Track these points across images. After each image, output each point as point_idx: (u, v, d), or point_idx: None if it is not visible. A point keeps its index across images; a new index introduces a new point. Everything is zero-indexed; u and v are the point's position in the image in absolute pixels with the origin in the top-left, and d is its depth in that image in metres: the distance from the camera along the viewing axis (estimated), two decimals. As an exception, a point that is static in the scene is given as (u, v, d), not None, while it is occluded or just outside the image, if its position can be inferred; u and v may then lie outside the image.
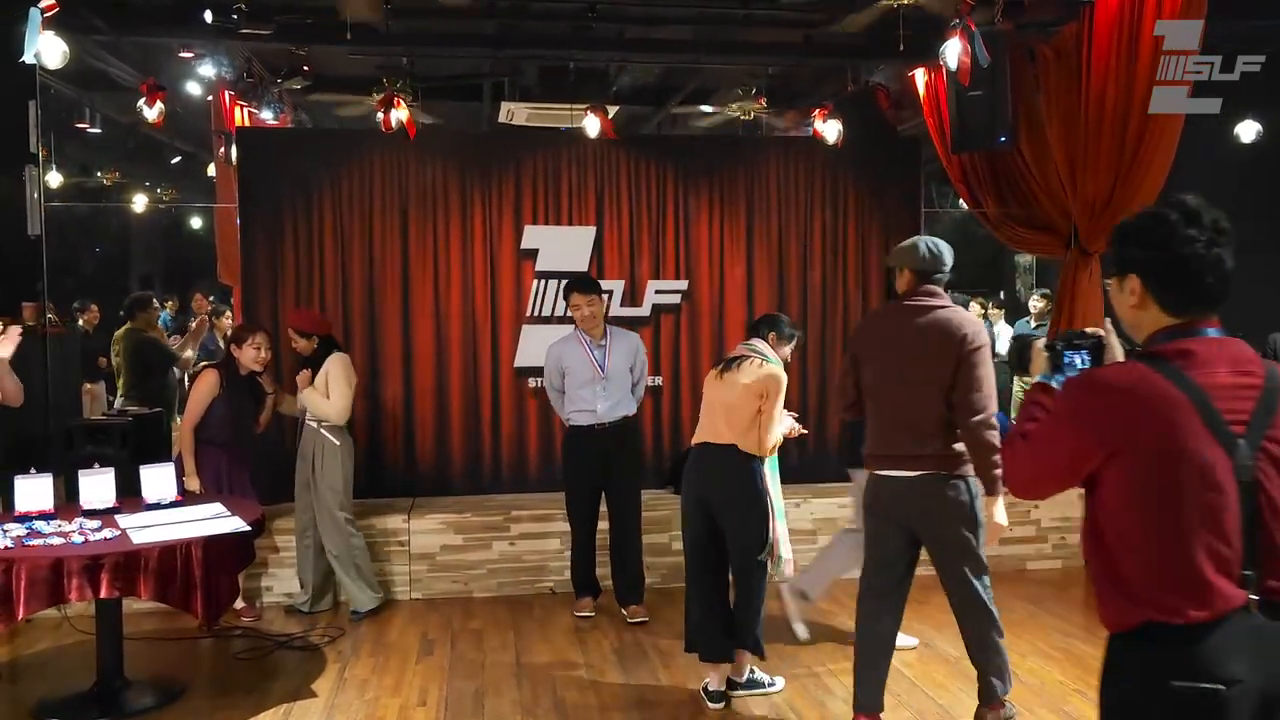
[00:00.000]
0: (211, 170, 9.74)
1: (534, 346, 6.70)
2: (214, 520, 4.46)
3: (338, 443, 5.54)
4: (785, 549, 4.35)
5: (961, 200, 7.94)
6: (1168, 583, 1.93)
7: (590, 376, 5.43)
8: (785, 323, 4.59)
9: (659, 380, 6.86)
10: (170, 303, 12.33)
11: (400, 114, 6.35)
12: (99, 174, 12.18)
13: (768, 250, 6.98)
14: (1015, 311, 11.33)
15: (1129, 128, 6.31)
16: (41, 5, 4.64)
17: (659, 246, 6.88)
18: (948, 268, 3.88)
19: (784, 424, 4.44)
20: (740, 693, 4.46)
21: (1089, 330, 2.28)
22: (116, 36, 6.38)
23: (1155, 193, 6.47)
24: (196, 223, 13.94)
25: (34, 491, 4.56)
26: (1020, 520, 6.46)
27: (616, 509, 5.56)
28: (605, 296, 5.57)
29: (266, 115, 7.69)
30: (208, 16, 5.82)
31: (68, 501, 4.92)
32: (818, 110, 7.10)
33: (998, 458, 3.59)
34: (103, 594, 3.99)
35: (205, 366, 5.72)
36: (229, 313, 9.51)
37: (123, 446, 5.81)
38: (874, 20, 6.50)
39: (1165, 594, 1.93)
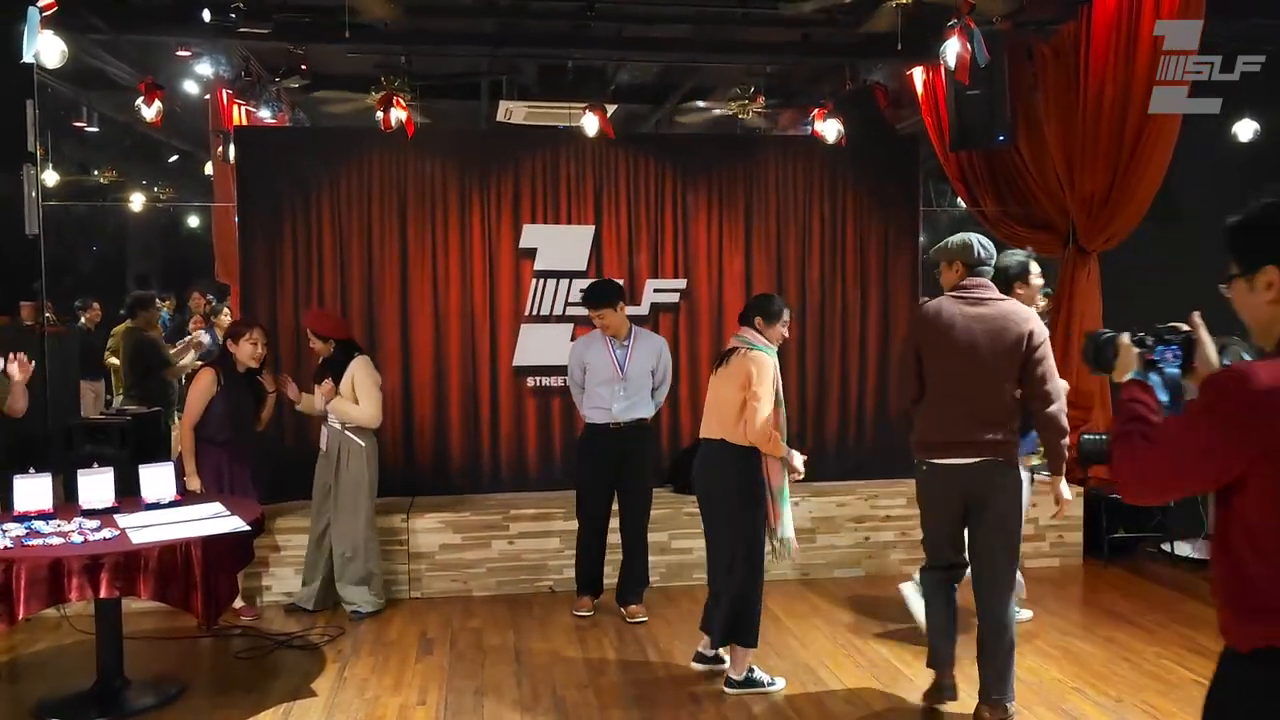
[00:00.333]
0: (209, 169, 9.73)
1: (533, 345, 6.71)
2: (213, 520, 4.46)
3: (363, 444, 5.55)
4: (787, 529, 4.45)
5: (959, 199, 7.95)
6: None
7: (609, 376, 5.43)
8: (771, 302, 4.60)
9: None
10: (168, 301, 12.31)
11: (399, 113, 6.34)
12: (96, 173, 12.17)
13: (766, 249, 6.98)
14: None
15: (1127, 126, 6.32)
16: (40, 4, 4.63)
17: (658, 245, 6.88)
18: (993, 262, 4.17)
19: (794, 458, 4.46)
20: (738, 691, 4.47)
21: (1177, 325, 2.18)
22: (115, 35, 6.37)
23: (1153, 191, 6.50)
24: (194, 221, 13.92)
25: (33, 491, 4.55)
26: (1019, 518, 6.47)
27: (626, 509, 5.56)
28: (621, 304, 5.44)
29: (264, 114, 7.69)
30: (206, 15, 5.81)
31: (67, 501, 4.93)
32: (816, 109, 7.10)
33: (1066, 440, 4.04)
34: (102, 594, 3.99)
35: (202, 365, 5.71)
36: (226, 311, 9.50)
37: (122, 446, 5.82)
38: (892, 23, 6.48)
39: None
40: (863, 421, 7.10)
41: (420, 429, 6.62)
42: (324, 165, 6.51)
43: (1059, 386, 4.04)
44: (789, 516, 4.47)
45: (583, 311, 6.69)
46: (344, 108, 8.86)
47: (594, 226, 6.78)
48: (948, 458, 4.02)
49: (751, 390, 4.37)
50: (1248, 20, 6.52)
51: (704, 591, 5.35)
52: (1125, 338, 2.26)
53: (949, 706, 4.32)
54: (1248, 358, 2.05)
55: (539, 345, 6.71)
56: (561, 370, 6.68)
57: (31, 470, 4.72)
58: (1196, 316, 2.14)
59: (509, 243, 6.71)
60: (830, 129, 6.99)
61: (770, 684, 4.52)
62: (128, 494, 4.82)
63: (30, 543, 4.08)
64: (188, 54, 7.00)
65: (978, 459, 3.97)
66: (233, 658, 5.02)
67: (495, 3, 6.76)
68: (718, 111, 9.25)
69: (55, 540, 4.12)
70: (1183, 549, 6.69)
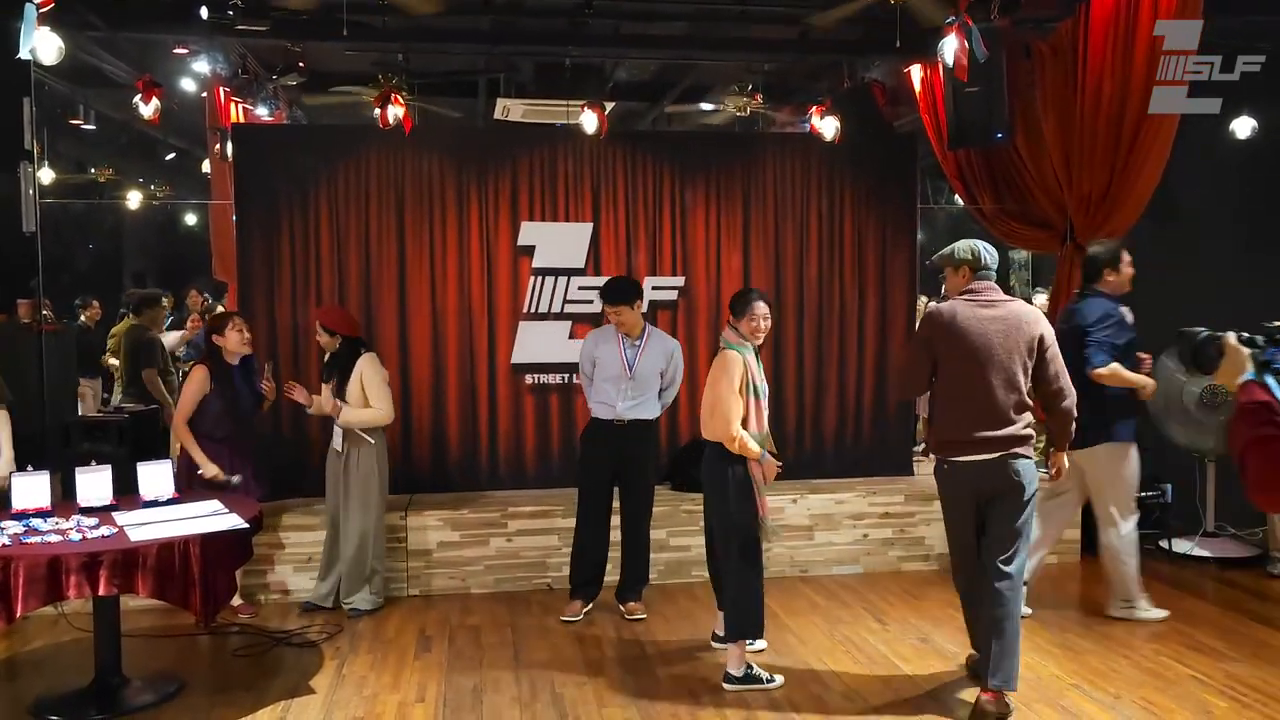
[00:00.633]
0: (206, 166, 9.73)
1: (531, 343, 6.70)
2: (211, 518, 4.46)
3: (373, 441, 5.56)
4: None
5: (957, 196, 7.95)
6: None
7: (617, 373, 5.41)
8: (740, 297, 4.68)
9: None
10: (166, 299, 12.28)
11: (396, 110, 6.32)
12: (93, 171, 12.14)
13: (764, 246, 6.98)
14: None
15: (1124, 123, 6.32)
16: (37, 1, 4.62)
17: (656, 243, 6.87)
18: (996, 264, 4.37)
19: (766, 462, 4.53)
20: (737, 687, 4.48)
21: None
22: (112, 32, 6.36)
23: (1151, 189, 6.50)
24: (191, 219, 13.89)
25: (31, 489, 4.55)
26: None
27: (627, 506, 5.55)
28: (638, 302, 5.42)
29: (262, 111, 7.68)
30: (203, 12, 5.80)
31: (65, 499, 4.92)
32: (814, 106, 7.09)
33: (1073, 425, 4.38)
34: (101, 591, 3.99)
35: (194, 364, 5.71)
36: (221, 309, 9.50)
37: (120, 443, 5.81)
38: (858, 12, 6.46)
39: None
40: (861, 419, 7.10)
41: (418, 427, 6.62)
42: (322, 163, 6.50)
43: (1068, 379, 4.30)
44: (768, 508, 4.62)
45: (581, 309, 6.74)
46: (342, 106, 8.85)
47: (592, 224, 6.78)
48: (970, 455, 4.19)
49: (715, 390, 4.49)
50: (1244, 17, 6.53)
51: (703, 588, 5.42)
52: (1231, 338, 2.22)
53: (946, 701, 4.33)
54: None
55: (537, 343, 6.71)
56: (559, 368, 6.71)
57: (29, 468, 4.72)
58: None
59: (507, 240, 6.71)
60: (828, 126, 6.98)
61: (769, 681, 4.53)
62: (126, 492, 4.81)
63: (28, 540, 4.08)
64: (185, 52, 6.98)
65: (997, 454, 4.16)
66: (231, 655, 5.02)
67: (492, 0, 6.75)
68: (716, 109, 9.25)
69: (53, 538, 4.12)
70: (1181, 546, 6.69)
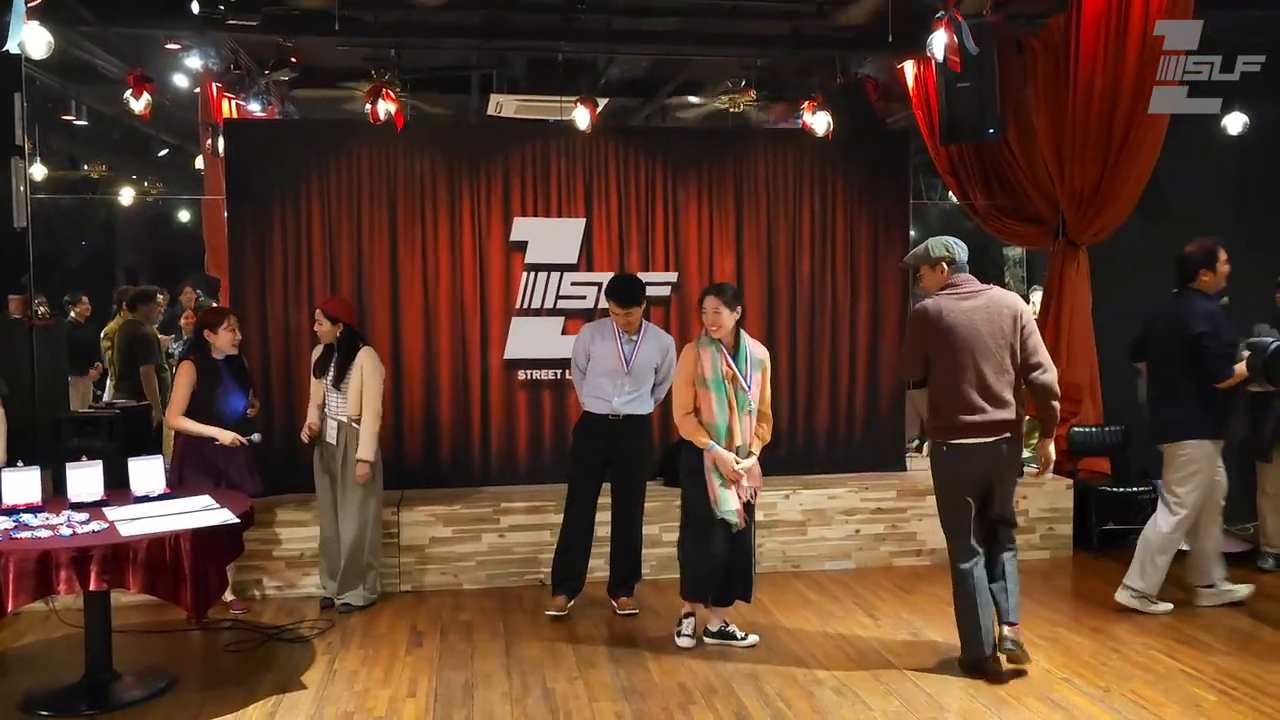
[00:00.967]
0: (200, 162, 9.71)
1: (524, 338, 6.70)
2: (202, 512, 4.45)
3: None
4: (724, 504, 4.78)
5: (950, 193, 7.96)
6: None
7: (614, 368, 5.39)
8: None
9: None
10: (161, 295, 12.27)
11: (388, 105, 6.32)
12: (86, 167, 12.12)
13: (757, 242, 6.97)
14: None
15: (1116, 119, 6.34)
16: (26, -6, 4.60)
17: (648, 238, 6.87)
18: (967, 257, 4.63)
19: (717, 454, 4.82)
20: (713, 641, 4.95)
21: None
22: (103, 27, 6.35)
23: (1142, 184, 6.52)
24: (184, 215, 13.88)
25: (21, 484, 4.54)
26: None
27: (619, 501, 5.55)
28: (645, 303, 5.48)
29: (254, 107, 7.67)
30: (194, 7, 5.79)
31: (56, 494, 4.91)
32: (807, 102, 7.10)
33: (1057, 405, 4.52)
34: (91, 586, 3.98)
35: (181, 359, 5.71)
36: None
37: (110, 439, 5.80)
38: (872, 12, 6.49)
39: None
40: (853, 415, 7.11)
41: (411, 422, 6.61)
42: (314, 158, 6.48)
43: (1047, 355, 4.52)
44: (725, 495, 4.77)
45: (574, 305, 6.74)
46: (334, 101, 8.85)
47: (585, 219, 6.77)
48: (970, 438, 4.43)
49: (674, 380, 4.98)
50: (1240, 12, 6.55)
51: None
52: None
53: (937, 696, 4.34)
54: None
55: (530, 339, 6.70)
56: (552, 364, 6.70)
57: (20, 463, 4.71)
58: None
59: (499, 236, 6.69)
60: (819, 121, 6.98)
61: (742, 639, 4.95)
62: (118, 487, 4.80)
63: (18, 535, 4.07)
64: (177, 47, 6.98)
65: (995, 438, 4.43)
66: (222, 651, 5.01)
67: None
68: (708, 105, 9.25)
69: (43, 533, 4.11)
70: (1171, 541, 6.70)
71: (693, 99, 9.36)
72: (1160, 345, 5.51)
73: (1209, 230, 6.96)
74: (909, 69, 7.39)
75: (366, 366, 5.52)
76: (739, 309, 4.86)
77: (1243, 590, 5.56)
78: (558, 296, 6.73)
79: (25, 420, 5.96)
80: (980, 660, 4.53)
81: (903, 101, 7.73)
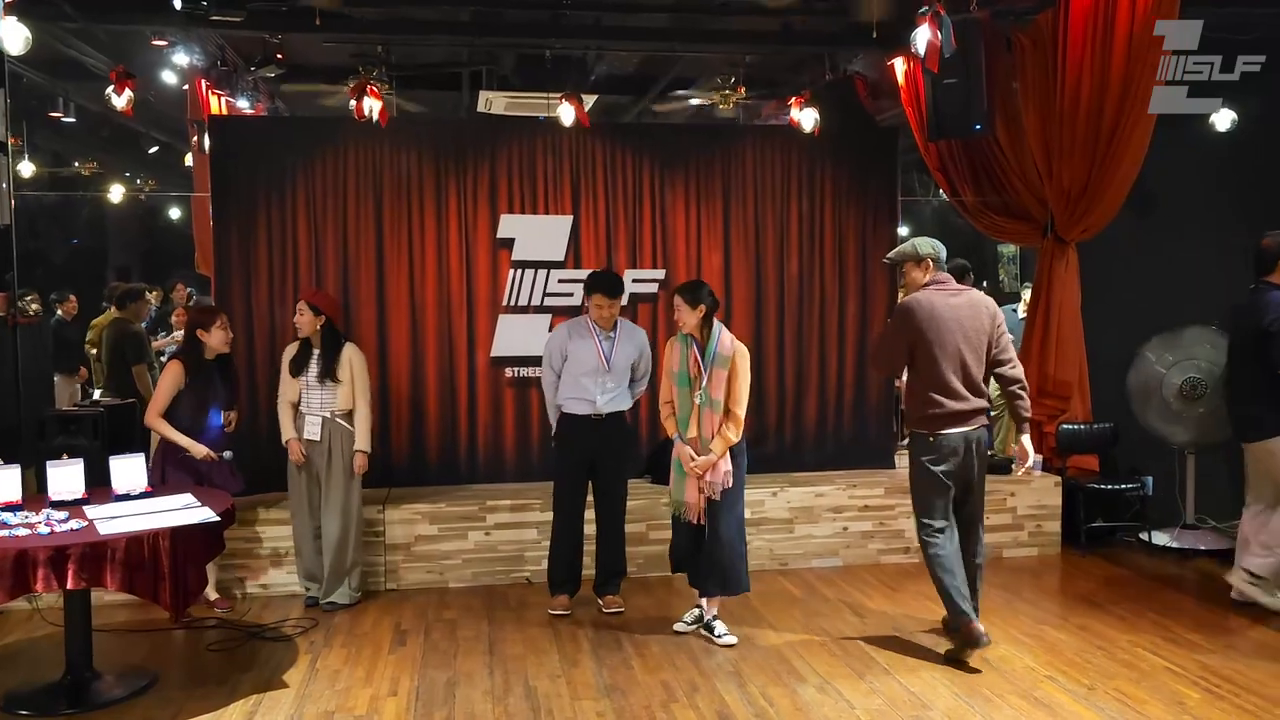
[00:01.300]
0: (189, 159, 9.68)
1: (511, 336, 6.67)
2: (183, 511, 4.43)
3: (353, 429, 5.56)
4: (676, 494, 5.07)
5: (941, 190, 7.94)
6: None
7: (594, 367, 5.36)
8: None
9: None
10: (155, 293, 12.25)
11: (373, 102, 6.29)
12: (77, 164, 12.08)
13: (745, 239, 6.95)
14: (999, 300, 11.33)
15: (1104, 116, 6.33)
16: (4, -10, 4.58)
17: (636, 236, 6.85)
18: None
19: (679, 445, 5.09)
20: (689, 629, 5.12)
21: None
22: (87, 23, 6.31)
23: (1130, 181, 6.51)
24: (175, 213, 13.84)
25: (1, 482, 4.51)
26: (998, 508, 6.48)
27: (602, 499, 5.52)
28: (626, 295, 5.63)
29: (242, 103, 7.64)
30: (177, 3, 5.76)
31: (40, 492, 4.89)
32: (794, 98, 7.07)
33: (1025, 394, 4.78)
34: (69, 585, 3.95)
35: (171, 358, 5.67)
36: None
37: (94, 437, 5.78)
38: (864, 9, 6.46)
39: None
40: (841, 412, 7.09)
41: (397, 420, 6.59)
42: (299, 154, 6.45)
43: (1014, 353, 4.83)
44: (680, 484, 5.02)
45: (561, 302, 6.71)
46: (325, 97, 8.82)
47: (572, 217, 6.74)
48: (952, 428, 4.67)
49: None
50: (1231, 9, 6.53)
51: (681, 581, 5.41)
52: None
53: (921, 694, 4.33)
54: None
55: (517, 336, 6.68)
56: (539, 361, 6.63)
57: (0, 461, 4.68)
58: None
59: (486, 233, 6.67)
60: (807, 118, 6.96)
61: (719, 636, 5.00)
62: (102, 485, 4.78)
63: (-4, 534, 4.05)
64: (164, 44, 6.95)
65: (973, 427, 4.70)
66: (205, 649, 4.99)
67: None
68: (698, 102, 9.23)
69: (21, 531, 4.09)
70: (1160, 538, 6.70)
71: (683, 95, 9.33)
72: (1236, 339, 5.61)
73: (1195, 226, 6.99)
74: (899, 66, 7.37)
75: (356, 361, 5.52)
76: (702, 306, 4.96)
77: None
78: (545, 294, 6.71)
79: (9, 418, 5.95)
80: (964, 625, 4.65)
81: (893, 99, 7.70)
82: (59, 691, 4.36)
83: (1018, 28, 6.65)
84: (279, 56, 6.87)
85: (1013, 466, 5.01)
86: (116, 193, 11.76)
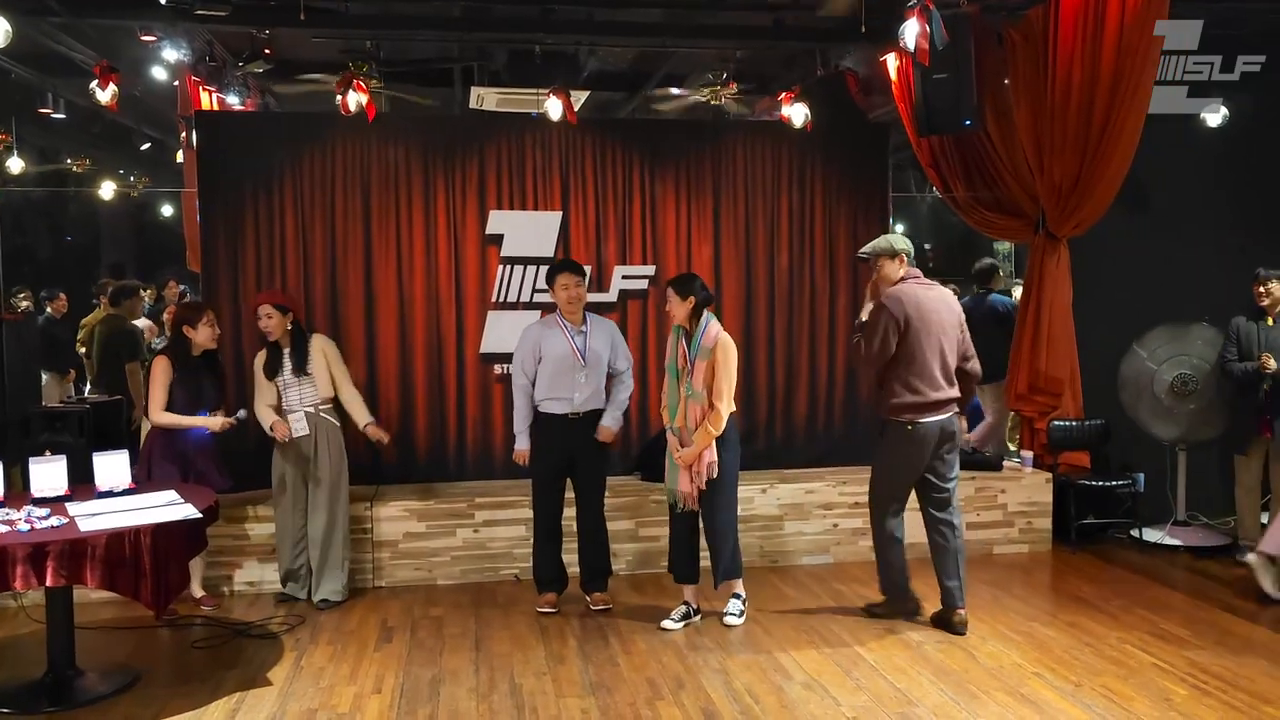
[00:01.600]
0: (180, 156, 9.64)
1: (500, 333, 6.64)
2: (165, 508, 4.40)
3: (338, 423, 5.55)
4: (669, 483, 5.17)
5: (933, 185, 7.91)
6: None
7: (570, 363, 5.30)
8: None
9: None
10: (149, 290, 12.22)
11: (359, 97, 6.25)
12: (69, 160, 12.03)
13: (735, 235, 6.93)
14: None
15: (1094, 112, 6.30)
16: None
17: (626, 231, 6.82)
18: None
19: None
20: (677, 625, 5.16)
21: None
22: (70, 18, 6.27)
23: (1121, 177, 6.48)
24: (167, 209, 13.79)
25: (-18, 480, 4.49)
26: (988, 505, 6.47)
27: (583, 496, 5.48)
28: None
29: (232, 99, 7.60)
30: (161, -2, 5.72)
31: (25, 489, 4.86)
32: (785, 94, 7.05)
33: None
34: (49, 582, 3.93)
35: (157, 354, 5.65)
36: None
37: (80, 434, 5.75)
38: (854, 5, 6.44)
39: None
40: (832, 408, 7.07)
41: (385, 417, 6.53)
42: (287, 150, 6.42)
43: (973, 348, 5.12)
44: (673, 473, 5.11)
45: (550, 298, 6.63)
46: (315, 93, 8.77)
47: (561, 213, 6.72)
48: (931, 415, 4.89)
49: None
50: (1225, 3, 6.51)
51: (668, 578, 5.39)
52: None
53: (908, 691, 4.31)
54: None
55: (506, 332, 6.62)
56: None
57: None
58: None
59: (475, 229, 6.64)
60: (797, 113, 6.94)
61: (680, 619, 5.16)
62: (86, 482, 4.75)
63: (-25, 531, 4.02)
64: (152, 39, 6.89)
65: (947, 415, 4.95)
66: (189, 647, 4.97)
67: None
68: (690, 98, 9.19)
69: (1, 528, 4.06)
70: (1152, 535, 6.69)
71: (675, 92, 9.28)
72: None
73: (1187, 222, 6.97)
74: (891, 61, 7.33)
75: (329, 349, 5.55)
76: (691, 298, 5.04)
77: None
78: (534, 290, 6.68)
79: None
80: (903, 596, 5.18)
81: (885, 94, 7.67)
82: (40, 689, 4.34)
83: (1008, 22, 6.63)
84: (267, 52, 6.80)
85: (972, 447, 5.34)
86: (108, 189, 11.71)
